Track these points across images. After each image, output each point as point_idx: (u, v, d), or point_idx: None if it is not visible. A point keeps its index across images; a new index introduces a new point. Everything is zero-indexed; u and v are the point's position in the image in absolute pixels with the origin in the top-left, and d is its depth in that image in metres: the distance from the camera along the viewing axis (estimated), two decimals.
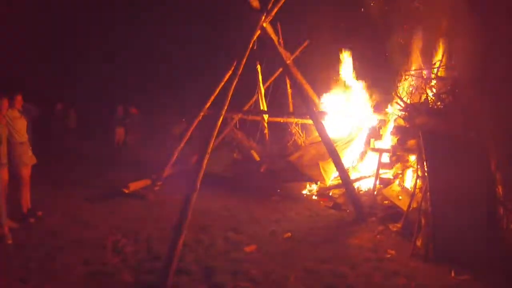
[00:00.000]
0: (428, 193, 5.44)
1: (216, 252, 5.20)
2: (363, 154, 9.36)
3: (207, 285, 4.31)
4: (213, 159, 5.97)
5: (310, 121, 8.72)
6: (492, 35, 5.49)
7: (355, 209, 6.95)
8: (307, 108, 7.73)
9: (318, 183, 8.70)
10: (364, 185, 8.55)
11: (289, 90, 11.38)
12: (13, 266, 4.59)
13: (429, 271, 4.82)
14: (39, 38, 16.45)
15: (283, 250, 5.39)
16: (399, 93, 7.65)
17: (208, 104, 8.72)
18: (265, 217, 6.78)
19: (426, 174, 5.64)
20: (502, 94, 5.42)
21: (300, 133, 10.37)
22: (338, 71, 10.31)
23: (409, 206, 5.99)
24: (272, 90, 11.14)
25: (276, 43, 8.31)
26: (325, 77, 10.96)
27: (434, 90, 6.92)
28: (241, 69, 6.34)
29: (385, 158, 8.08)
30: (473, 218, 5.13)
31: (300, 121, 10.24)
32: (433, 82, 7.10)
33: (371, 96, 9.79)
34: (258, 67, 10.42)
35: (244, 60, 6.50)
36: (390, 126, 8.62)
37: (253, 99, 10.96)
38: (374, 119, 9.53)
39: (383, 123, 9.43)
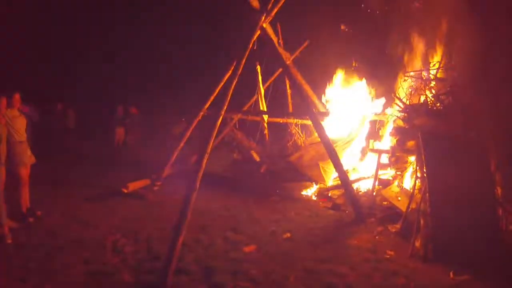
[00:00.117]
0: (427, 194, 5.45)
1: (215, 252, 5.20)
2: (364, 150, 9.33)
3: (206, 285, 4.32)
4: (213, 159, 5.99)
5: (309, 122, 8.73)
6: (492, 35, 5.51)
7: (354, 210, 6.96)
8: (306, 108, 7.74)
9: (318, 183, 8.71)
10: (363, 186, 8.55)
11: (289, 91, 11.38)
12: (13, 266, 4.59)
13: (428, 271, 4.82)
14: (39, 38, 16.46)
15: (282, 250, 5.39)
16: (398, 94, 7.66)
17: (208, 104, 8.73)
18: (265, 217, 6.78)
19: (425, 175, 5.65)
20: (501, 95, 5.43)
21: (300, 133, 10.37)
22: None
23: (408, 207, 6.00)
24: (272, 91, 11.14)
25: (276, 43, 8.32)
26: (325, 77, 10.98)
27: (433, 91, 6.93)
28: (240, 69, 6.35)
29: (384, 159, 8.10)
30: (472, 219, 5.14)
31: (300, 121, 10.24)
32: (433, 83, 7.11)
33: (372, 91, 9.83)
34: (258, 67, 10.42)
35: (244, 60, 6.51)
36: (389, 127, 8.64)
37: (253, 99, 10.97)
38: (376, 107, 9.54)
39: (382, 124, 9.44)
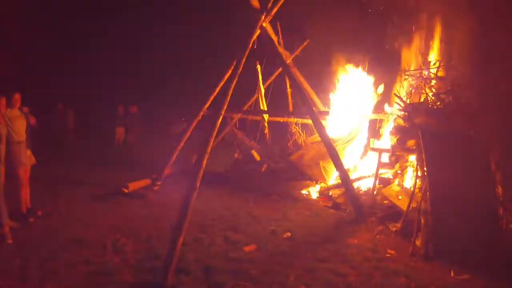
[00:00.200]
0: (428, 193, 5.45)
1: (216, 252, 5.20)
2: (366, 147, 9.32)
3: (206, 284, 4.32)
4: (213, 158, 5.98)
5: (309, 121, 8.73)
6: (492, 33, 5.49)
7: (355, 209, 6.96)
8: (306, 108, 7.73)
9: (319, 183, 8.70)
10: (364, 185, 8.55)
11: (289, 90, 11.38)
12: (14, 265, 4.59)
13: (429, 270, 4.82)
14: (39, 39, 16.46)
15: (283, 250, 5.39)
16: (398, 92, 7.66)
17: (208, 103, 8.73)
18: (265, 217, 6.78)
19: (425, 174, 5.65)
20: (502, 94, 5.42)
21: (300, 132, 10.37)
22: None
23: (408, 205, 5.99)
24: (272, 90, 11.14)
25: (276, 42, 8.32)
26: (326, 76, 10.97)
27: (433, 89, 6.93)
28: (240, 69, 6.35)
29: (385, 158, 8.08)
30: (473, 217, 5.14)
31: (300, 121, 10.24)
32: (433, 81, 7.11)
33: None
34: (258, 66, 10.42)
35: (244, 59, 6.51)
36: (390, 126, 8.63)
37: (253, 99, 10.97)
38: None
39: (382, 123, 9.43)
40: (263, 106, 10.64)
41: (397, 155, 7.75)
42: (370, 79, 9.94)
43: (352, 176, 8.58)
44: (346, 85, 10.24)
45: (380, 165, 7.80)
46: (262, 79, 10.62)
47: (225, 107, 5.91)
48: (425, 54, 8.00)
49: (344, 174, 7.16)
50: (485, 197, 5.39)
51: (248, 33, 6.92)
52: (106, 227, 5.93)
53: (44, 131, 9.90)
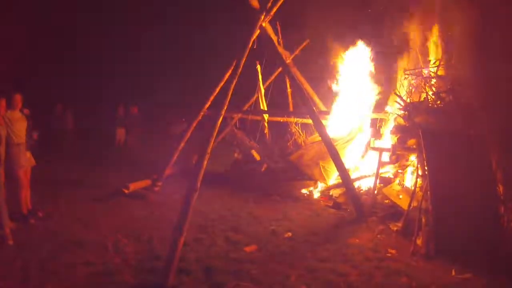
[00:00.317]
0: (429, 192, 5.44)
1: (216, 252, 5.20)
2: (367, 146, 9.32)
3: (207, 284, 4.32)
4: (213, 159, 5.98)
5: (310, 121, 8.72)
6: (492, 32, 5.48)
7: (356, 209, 6.95)
8: (306, 107, 7.73)
9: (319, 182, 8.69)
10: (365, 184, 8.54)
11: (289, 90, 11.38)
12: (14, 266, 4.59)
13: (430, 270, 4.81)
14: (39, 39, 16.47)
15: (283, 250, 5.39)
16: (398, 92, 7.65)
17: (208, 104, 8.73)
18: (266, 217, 6.77)
19: (426, 173, 5.64)
20: (502, 92, 5.41)
21: (300, 132, 10.36)
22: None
23: (409, 205, 5.99)
24: (272, 90, 11.14)
25: (276, 42, 8.31)
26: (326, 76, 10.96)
27: (434, 88, 6.92)
28: (240, 69, 6.34)
29: (386, 157, 8.07)
30: (474, 216, 5.13)
31: (300, 120, 10.24)
32: (433, 80, 7.10)
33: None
34: (258, 66, 10.42)
35: (244, 59, 6.50)
36: (390, 125, 8.62)
37: (253, 99, 10.96)
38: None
39: (383, 122, 9.43)
40: (263, 106, 10.63)
41: (398, 154, 7.74)
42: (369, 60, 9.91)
43: (353, 175, 8.57)
44: (347, 72, 10.22)
45: (381, 164, 7.79)
46: (262, 79, 10.61)
47: (225, 107, 5.90)
48: (425, 53, 7.99)
49: (344, 174, 7.16)
50: (486, 196, 5.38)
51: (248, 33, 6.91)
52: (107, 228, 5.93)
53: (44, 131, 9.91)
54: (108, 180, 8.89)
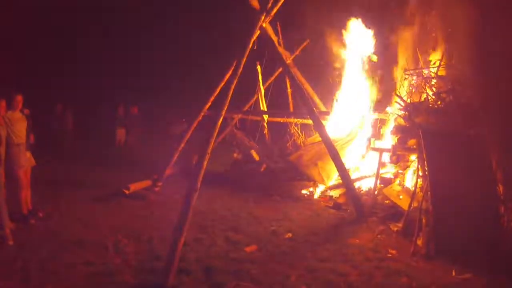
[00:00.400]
0: (429, 192, 5.44)
1: (216, 252, 5.19)
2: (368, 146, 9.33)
3: (207, 284, 4.31)
4: (213, 159, 5.98)
5: (310, 121, 8.73)
6: (492, 32, 5.48)
7: (356, 209, 6.95)
8: (307, 108, 7.73)
9: (318, 183, 8.69)
10: (365, 185, 8.54)
11: (289, 90, 11.38)
12: (14, 266, 4.59)
13: (430, 270, 4.81)
14: (39, 39, 16.48)
15: (283, 250, 5.38)
16: (399, 92, 7.65)
17: (209, 104, 8.73)
18: (266, 217, 6.77)
19: (426, 173, 5.64)
20: (502, 93, 5.41)
21: (299, 133, 10.38)
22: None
23: (410, 205, 5.98)
24: (272, 90, 11.15)
25: (276, 43, 8.31)
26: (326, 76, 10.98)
27: (434, 89, 6.92)
28: (241, 69, 6.34)
29: (386, 157, 8.08)
30: (474, 217, 5.13)
31: (300, 121, 10.24)
32: (433, 81, 7.10)
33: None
34: (258, 67, 10.42)
35: (244, 60, 6.50)
36: (391, 125, 8.62)
37: (253, 99, 10.97)
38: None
39: (383, 122, 9.43)
40: (263, 106, 10.63)
41: (398, 155, 7.74)
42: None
43: (353, 176, 8.57)
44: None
45: (381, 164, 7.79)
46: (262, 79, 10.62)
47: (225, 108, 5.90)
48: (425, 52, 8.00)
49: (345, 174, 7.15)
50: (486, 196, 5.37)
51: (248, 33, 6.91)
52: (107, 228, 5.93)
53: (44, 131, 9.92)
54: (108, 180, 8.89)
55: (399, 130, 7.51)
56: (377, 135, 9.34)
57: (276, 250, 5.36)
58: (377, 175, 7.69)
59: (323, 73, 11.07)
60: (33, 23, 15.97)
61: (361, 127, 9.38)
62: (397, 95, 7.29)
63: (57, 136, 12.57)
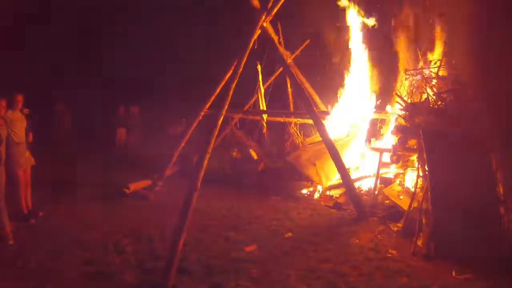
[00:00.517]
0: (429, 193, 5.43)
1: (217, 252, 5.19)
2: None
3: (208, 284, 4.31)
4: (213, 158, 5.98)
5: (310, 121, 8.72)
6: (493, 32, 5.47)
7: (356, 209, 6.95)
8: (307, 107, 7.72)
9: (316, 183, 8.68)
10: (365, 185, 8.54)
11: (290, 90, 11.38)
12: (15, 266, 4.59)
13: (431, 270, 4.81)
14: (39, 39, 16.46)
15: (284, 250, 5.38)
16: (399, 92, 7.65)
17: (209, 103, 8.72)
18: (266, 217, 6.77)
19: (427, 173, 5.63)
20: (503, 93, 5.40)
21: (298, 133, 10.39)
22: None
23: (410, 205, 5.98)
24: (272, 90, 11.14)
25: (277, 42, 8.31)
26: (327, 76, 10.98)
27: (434, 89, 6.91)
28: (241, 69, 6.34)
29: (386, 157, 8.07)
30: (474, 217, 5.12)
31: (301, 120, 10.24)
32: (434, 81, 7.09)
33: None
34: (259, 66, 10.42)
35: (245, 59, 6.50)
36: (391, 125, 8.61)
37: (254, 99, 10.96)
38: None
39: (383, 122, 9.43)
40: (263, 106, 10.63)
41: (399, 155, 7.73)
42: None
43: (354, 175, 8.57)
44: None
45: (382, 164, 7.79)
46: (262, 79, 10.61)
47: (226, 107, 5.90)
48: (426, 52, 7.99)
49: (345, 174, 7.15)
50: (487, 196, 5.37)
51: (249, 33, 6.91)
52: (107, 228, 5.93)
53: (44, 131, 9.91)
54: (108, 180, 8.88)
55: (399, 130, 7.50)
56: (376, 134, 9.33)
57: (276, 250, 5.36)
58: (377, 175, 7.69)
59: (323, 68, 11.06)
60: (33, 24, 15.96)
61: (359, 128, 9.38)
62: (397, 95, 7.28)
63: (57, 136, 12.55)
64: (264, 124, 10.83)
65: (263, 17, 7.22)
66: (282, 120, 10.74)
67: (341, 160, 7.19)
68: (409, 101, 7.22)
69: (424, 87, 7.03)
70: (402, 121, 7.55)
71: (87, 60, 17.60)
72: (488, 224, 5.19)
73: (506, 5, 5.44)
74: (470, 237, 4.99)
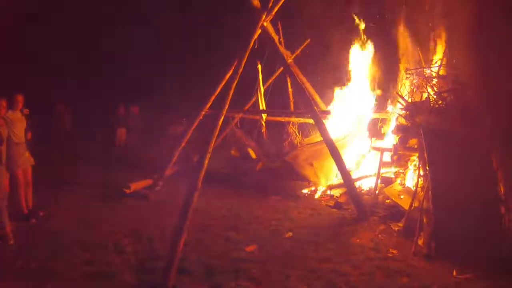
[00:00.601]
0: (430, 192, 5.42)
1: (217, 252, 5.18)
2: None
3: (208, 284, 4.30)
4: (213, 158, 5.96)
5: (310, 121, 8.71)
6: (493, 32, 5.46)
7: (357, 208, 6.94)
8: (307, 107, 7.71)
9: (313, 183, 8.67)
10: (366, 184, 8.53)
11: (290, 89, 11.37)
12: (15, 266, 4.58)
13: (431, 270, 4.80)
14: (39, 39, 16.47)
15: (284, 250, 5.37)
16: (400, 91, 7.64)
17: (209, 103, 8.72)
18: (266, 216, 6.76)
19: (427, 173, 5.62)
20: (503, 92, 5.39)
21: (297, 133, 10.37)
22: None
23: (410, 205, 5.97)
24: (272, 90, 11.14)
25: (277, 42, 8.30)
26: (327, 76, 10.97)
27: (435, 88, 6.90)
28: (242, 68, 6.33)
29: (387, 157, 8.06)
30: (475, 216, 5.11)
31: (301, 120, 10.23)
32: (434, 80, 7.08)
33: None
34: (259, 66, 10.41)
35: (245, 59, 6.49)
36: (392, 125, 8.60)
37: (254, 98, 10.96)
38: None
39: (384, 122, 9.42)
40: (262, 105, 10.62)
41: (399, 154, 7.73)
42: None
43: (354, 175, 8.55)
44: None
45: (382, 164, 7.78)
46: (262, 78, 10.60)
47: (226, 107, 5.89)
48: (426, 52, 7.98)
49: (345, 174, 7.14)
50: (487, 196, 5.36)
51: (249, 32, 6.90)
52: (108, 228, 5.92)
53: (44, 131, 9.91)
54: (109, 180, 8.88)
55: (400, 129, 7.49)
56: (377, 134, 9.32)
57: (276, 250, 5.35)
58: (378, 175, 7.68)
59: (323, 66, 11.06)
60: (33, 24, 15.97)
61: (359, 128, 9.37)
62: (398, 95, 7.28)
63: (57, 136, 12.56)
64: (263, 124, 10.83)
65: (264, 16, 7.21)
66: (282, 120, 10.73)
67: (342, 159, 7.18)
68: (409, 100, 7.21)
69: (425, 86, 7.02)
70: (403, 121, 7.54)
71: (87, 60, 17.59)
72: (489, 224, 5.19)
73: (506, 5, 5.43)
74: (471, 237, 4.98)
